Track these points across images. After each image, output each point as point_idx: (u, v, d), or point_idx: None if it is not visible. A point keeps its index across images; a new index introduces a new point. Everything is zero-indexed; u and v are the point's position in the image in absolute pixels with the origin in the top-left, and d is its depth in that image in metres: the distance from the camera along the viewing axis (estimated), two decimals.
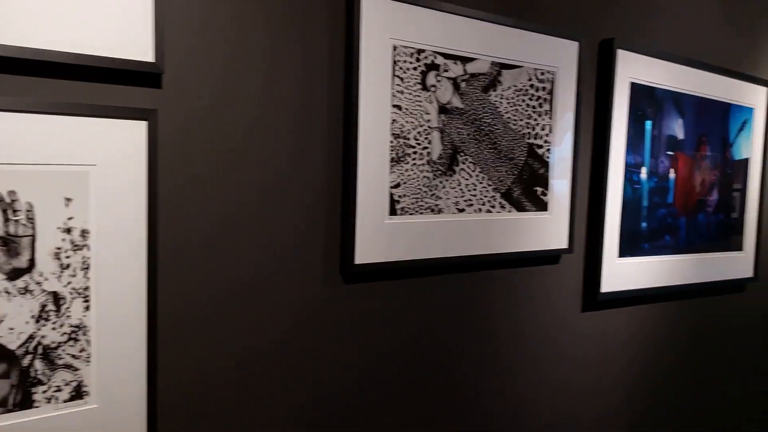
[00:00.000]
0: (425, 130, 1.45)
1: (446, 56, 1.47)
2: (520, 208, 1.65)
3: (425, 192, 1.47)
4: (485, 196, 1.58)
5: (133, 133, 1.07)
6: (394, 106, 1.39)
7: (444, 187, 1.50)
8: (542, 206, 1.70)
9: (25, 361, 1.01)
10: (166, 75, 1.11)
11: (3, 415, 0.99)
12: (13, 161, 0.97)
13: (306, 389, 1.35)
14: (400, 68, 1.39)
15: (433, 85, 1.45)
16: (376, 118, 1.36)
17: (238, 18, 1.19)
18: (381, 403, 1.47)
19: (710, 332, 2.29)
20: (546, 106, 1.68)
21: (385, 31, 1.36)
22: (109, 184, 1.06)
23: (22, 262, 0.99)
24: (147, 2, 1.06)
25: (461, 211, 1.54)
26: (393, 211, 1.41)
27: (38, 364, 1.02)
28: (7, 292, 0.98)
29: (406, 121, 1.42)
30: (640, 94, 1.89)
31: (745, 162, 2.27)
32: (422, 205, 1.46)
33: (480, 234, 1.57)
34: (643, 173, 1.94)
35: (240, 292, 1.23)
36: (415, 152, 1.44)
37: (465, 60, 1.50)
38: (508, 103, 1.60)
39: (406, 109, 1.41)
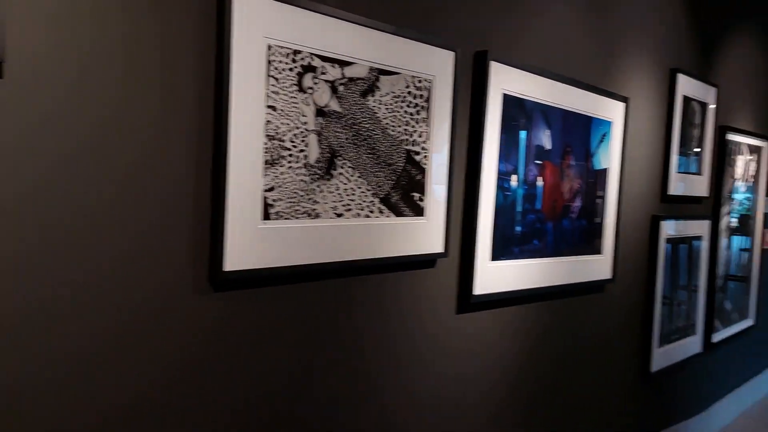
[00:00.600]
0: (302, 132, 1.42)
1: (324, 59, 1.45)
2: (398, 213, 1.67)
3: (302, 196, 1.43)
4: (364, 201, 1.57)
5: None
6: (269, 106, 1.35)
7: (321, 192, 1.47)
8: (419, 211, 1.72)
9: None
10: (7, 64, 1.00)
11: None
12: None
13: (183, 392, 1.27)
14: (276, 68, 1.35)
15: (310, 88, 1.43)
16: (249, 119, 1.31)
17: (96, 7, 1.10)
18: (252, 414, 1.42)
19: (574, 330, 2.44)
20: (423, 114, 1.70)
21: (259, 29, 1.31)
22: None
23: None
24: None
25: (339, 215, 1.52)
26: (267, 216, 1.36)
27: None
28: None
29: (282, 123, 1.38)
30: (512, 105, 1.98)
31: (605, 171, 2.44)
32: (298, 210, 1.43)
33: (358, 239, 1.57)
34: (514, 180, 2.03)
35: (87, 301, 1.14)
36: (291, 155, 1.40)
37: (343, 64, 1.49)
38: (387, 109, 1.60)
39: (282, 110, 1.37)
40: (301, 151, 1.42)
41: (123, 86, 1.14)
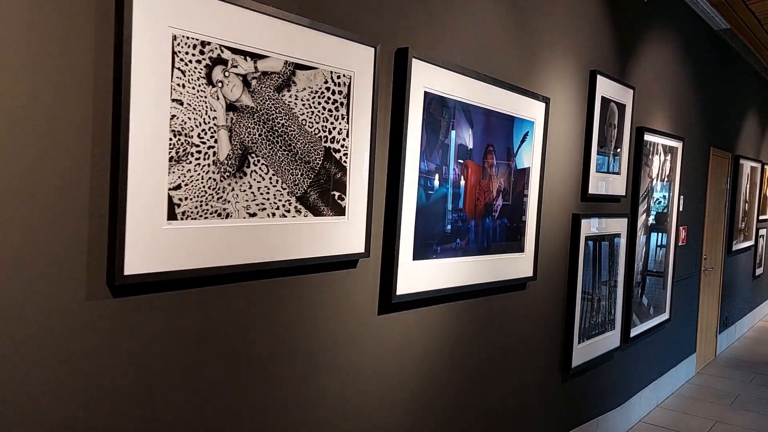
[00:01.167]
0: (211, 128, 1.35)
1: (235, 51, 1.38)
2: (317, 213, 1.62)
3: (211, 195, 1.37)
4: (279, 200, 1.52)
5: None
6: (175, 100, 1.27)
7: (233, 190, 1.41)
8: (340, 211, 1.68)
9: None
10: None
11: None
12: None
13: (69, 416, 1.17)
14: (182, 60, 1.28)
15: (220, 81, 1.36)
16: (152, 113, 1.23)
17: None
18: (153, 428, 1.34)
19: (496, 328, 2.46)
20: (343, 110, 1.66)
21: (163, 18, 1.24)
22: None
23: None
24: None
25: (253, 215, 1.46)
26: (172, 216, 1.29)
27: None
28: None
29: (189, 118, 1.31)
30: (434, 103, 1.96)
31: (526, 171, 2.48)
32: (208, 209, 1.36)
33: (274, 240, 1.51)
34: (437, 179, 2.02)
35: None
36: (199, 151, 1.33)
37: (256, 57, 1.43)
38: (304, 104, 1.55)
39: (189, 104, 1.30)
40: (210, 147, 1.35)
41: (13, 74, 1.05)
